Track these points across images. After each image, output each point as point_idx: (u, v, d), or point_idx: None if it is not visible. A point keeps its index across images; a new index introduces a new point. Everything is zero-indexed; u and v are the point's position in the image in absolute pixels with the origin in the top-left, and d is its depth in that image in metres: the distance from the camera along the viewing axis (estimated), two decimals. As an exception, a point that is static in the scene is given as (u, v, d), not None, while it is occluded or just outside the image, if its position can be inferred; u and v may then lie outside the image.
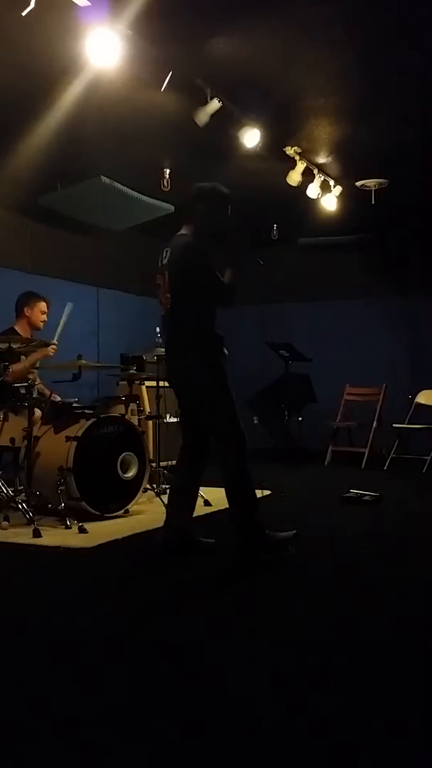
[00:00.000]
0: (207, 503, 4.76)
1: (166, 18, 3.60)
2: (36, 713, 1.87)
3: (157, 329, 5.93)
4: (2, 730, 1.77)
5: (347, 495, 5.15)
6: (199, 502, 4.59)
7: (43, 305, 5.17)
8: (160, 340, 5.87)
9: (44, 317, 5.17)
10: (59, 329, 5.00)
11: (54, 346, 4.92)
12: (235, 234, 3.55)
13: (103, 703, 1.92)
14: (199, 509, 4.29)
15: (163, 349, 3.67)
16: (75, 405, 4.88)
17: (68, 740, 1.71)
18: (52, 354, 4.96)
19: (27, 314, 5.11)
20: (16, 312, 5.14)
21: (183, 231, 3.52)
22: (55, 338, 4.96)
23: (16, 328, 5.07)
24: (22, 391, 4.35)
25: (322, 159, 5.76)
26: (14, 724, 1.81)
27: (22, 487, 4.38)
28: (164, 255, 3.49)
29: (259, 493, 5.25)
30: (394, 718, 1.82)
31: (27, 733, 1.76)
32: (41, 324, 5.15)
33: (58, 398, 5.08)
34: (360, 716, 1.82)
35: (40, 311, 5.15)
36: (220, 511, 4.51)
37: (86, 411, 4.77)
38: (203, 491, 4.61)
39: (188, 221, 3.52)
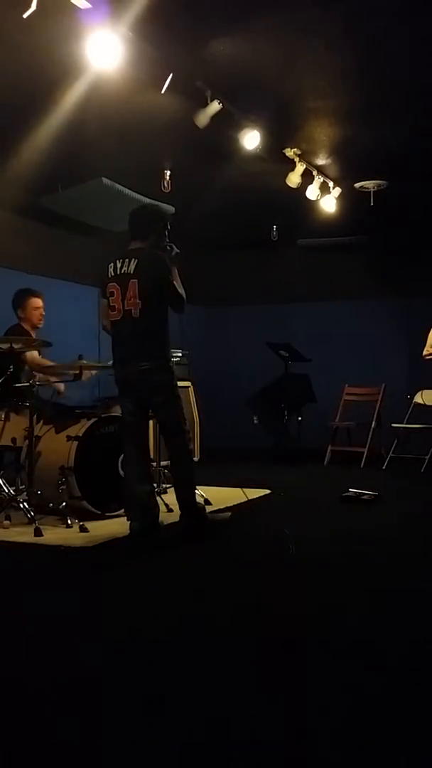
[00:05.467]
0: (207, 502, 4.76)
1: (166, 20, 3.62)
2: (36, 713, 1.89)
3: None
4: (2, 731, 1.80)
5: (346, 494, 5.17)
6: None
7: (35, 301, 5.14)
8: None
9: (39, 312, 5.15)
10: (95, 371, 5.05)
11: (87, 375, 4.95)
12: (176, 249, 4.00)
13: (103, 704, 1.93)
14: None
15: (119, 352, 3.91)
16: (74, 406, 4.92)
17: (67, 741, 1.73)
18: (83, 379, 4.98)
19: (22, 315, 5.12)
20: (14, 312, 5.16)
21: (138, 245, 3.93)
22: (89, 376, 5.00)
23: (22, 324, 5.09)
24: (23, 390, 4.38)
25: (321, 160, 5.78)
26: (13, 724, 1.83)
27: (23, 487, 4.40)
28: (122, 265, 3.84)
29: (258, 493, 5.35)
30: (396, 718, 1.85)
31: (27, 734, 1.78)
32: (38, 321, 5.15)
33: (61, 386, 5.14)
34: (361, 717, 1.84)
35: (32, 308, 5.13)
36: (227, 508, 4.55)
37: (87, 411, 4.80)
38: (203, 490, 4.66)
39: (141, 237, 3.95)
